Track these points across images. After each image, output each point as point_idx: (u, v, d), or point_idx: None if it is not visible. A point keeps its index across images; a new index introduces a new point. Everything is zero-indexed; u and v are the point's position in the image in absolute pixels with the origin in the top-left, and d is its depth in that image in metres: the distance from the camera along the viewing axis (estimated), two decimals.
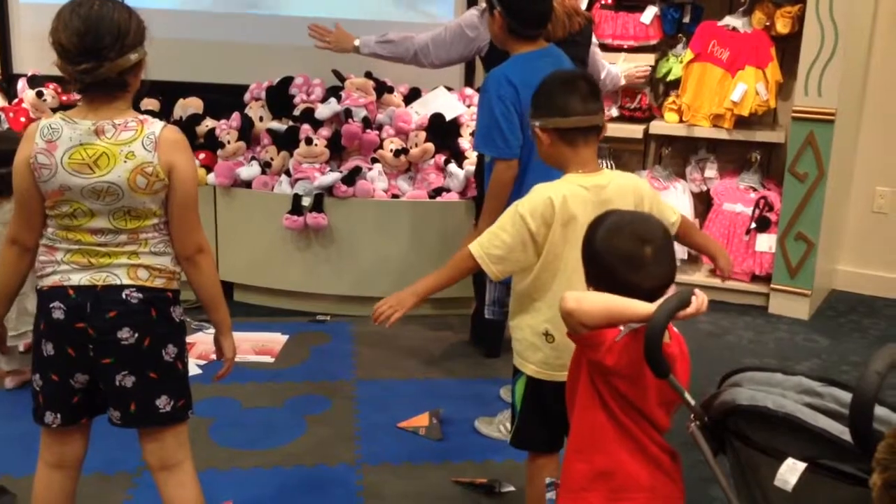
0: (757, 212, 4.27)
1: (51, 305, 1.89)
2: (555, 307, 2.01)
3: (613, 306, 1.60)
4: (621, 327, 1.63)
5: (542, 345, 2.09)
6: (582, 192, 2.01)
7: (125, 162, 1.84)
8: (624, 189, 2.07)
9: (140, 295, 1.90)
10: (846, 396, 1.46)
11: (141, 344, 1.90)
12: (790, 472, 1.48)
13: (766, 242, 4.25)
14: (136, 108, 1.96)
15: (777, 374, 1.59)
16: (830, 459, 1.44)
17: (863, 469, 1.36)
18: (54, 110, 4.34)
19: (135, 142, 1.85)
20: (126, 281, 1.89)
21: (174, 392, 1.98)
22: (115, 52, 1.80)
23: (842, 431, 1.42)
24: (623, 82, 4.01)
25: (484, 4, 3.25)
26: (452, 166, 4.02)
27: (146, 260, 1.91)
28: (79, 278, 1.89)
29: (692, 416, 1.65)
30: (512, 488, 2.68)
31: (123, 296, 1.89)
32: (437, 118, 4.10)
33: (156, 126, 1.88)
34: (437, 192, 4.01)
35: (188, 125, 4.24)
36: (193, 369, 3.30)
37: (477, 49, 3.34)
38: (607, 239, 1.68)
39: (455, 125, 4.15)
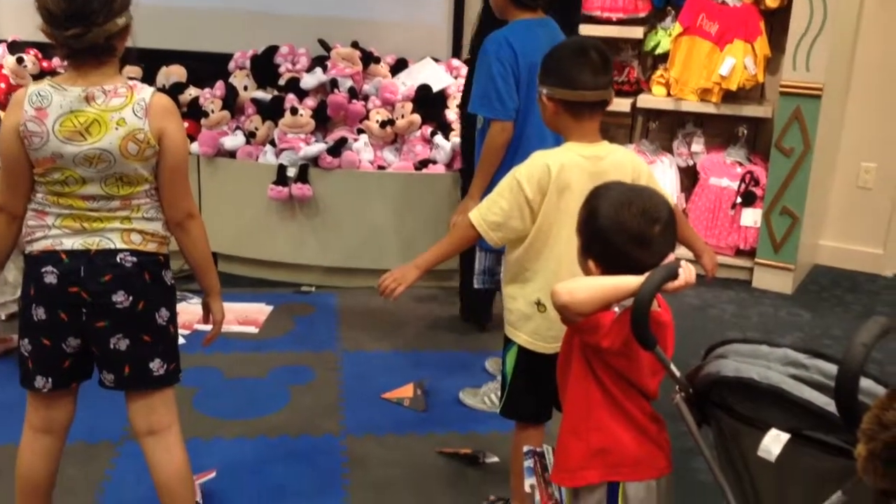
0: (743, 186, 4.27)
1: (42, 270, 1.87)
2: (547, 276, 2.01)
3: (606, 289, 1.59)
4: (615, 308, 1.62)
5: (533, 314, 2.09)
6: (580, 162, 2.01)
7: (116, 129, 1.83)
8: (622, 164, 2.06)
9: (134, 259, 1.91)
10: (831, 368, 1.47)
11: (135, 307, 1.91)
12: (774, 442, 1.48)
13: (751, 217, 4.26)
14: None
15: (762, 346, 1.59)
16: (814, 431, 1.45)
17: (846, 440, 1.36)
18: (35, 77, 4.27)
19: (125, 108, 1.84)
20: (120, 245, 1.90)
21: (167, 355, 2.00)
22: (102, 17, 1.78)
23: (827, 403, 1.42)
24: None
25: None
26: (439, 138, 3.99)
27: (139, 225, 1.92)
28: (71, 243, 1.88)
29: (677, 387, 1.65)
30: (496, 459, 2.69)
31: (118, 259, 1.89)
32: (423, 89, 4.06)
33: (146, 92, 1.87)
34: (424, 163, 3.98)
35: (171, 93, 4.17)
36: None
37: None
38: (615, 215, 1.65)
39: (442, 96, 4.11)
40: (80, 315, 1.89)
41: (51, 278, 1.87)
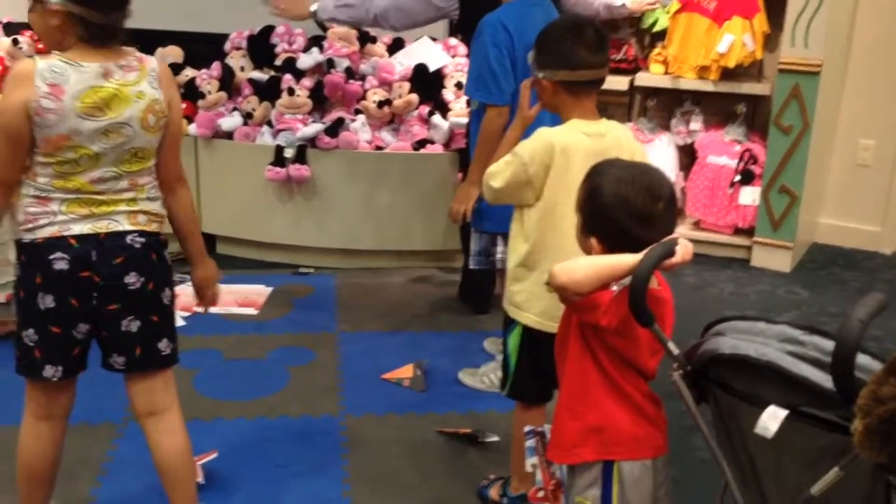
0: (741, 165, 4.26)
1: (50, 257, 1.86)
2: (555, 254, 2.00)
3: (604, 268, 1.58)
4: (614, 286, 1.62)
5: (543, 294, 2.08)
6: (584, 140, 2.00)
7: (136, 101, 1.87)
8: (621, 140, 2.06)
9: (142, 240, 1.93)
10: (829, 345, 1.47)
11: (146, 288, 1.93)
12: (771, 419, 1.48)
13: (749, 195, 4.26)
14: None
15: (760, 322, 1.59)
16: (811, 407, 1.45)
17: (843, 416, 1.37)
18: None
19: (142, 81, 1.88)
20: (128, 227, 1.92)
21: (171, 335, 2.03)
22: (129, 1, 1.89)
23: (824, 379, 1.42)
24: (630, 6, 3.69)
25: None
26: (436, 118, 3.98)
27: (143, 206, 1.95)
28: (80, 228, 1.88)
29: (675, 364, 1.66)
30: (496, 438, 2.71)
31: (128, 241, 1.91)
32: (420, 69, 4.05)
33: (153, 62, 1.93)
34: (421, 143, 3.97)
35: None
36: (178, 321, 3.28)
37: (444, 15, 3.29)
38: (618, 193, 1.64)
39: (439, 76, 4.10)
40: (90, 300, 1.90)
41: (61, 265, 1.86)
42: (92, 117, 1.83)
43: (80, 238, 1.88)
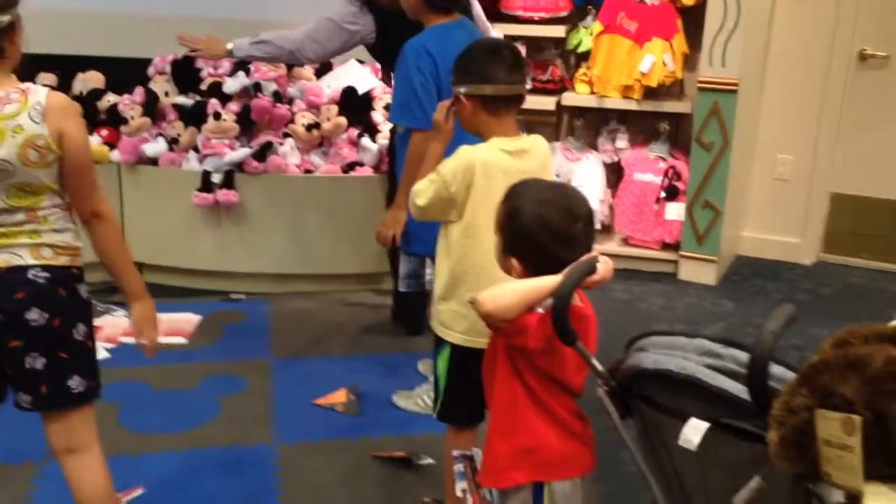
0: (666, 181, 4.36)
1: None
2: (478, 273, 2.02)
3: (528, 292, 1.60)
4: (539, 308, 1.64)
5: (467, 312, 2.09)
6: (504, 158, 2.02)
7: (13, 137, 1.76)
8: (542, 154, 2.11)
9: (47, 274, 1.85)
10: (745, 357, 1.50)
11: (51, 324, 1.85)
12: (694, 431, 1.52)
13: (675, 211, 4.36)
14: (32, 80, 1.87)
15: (680, 337, 1.62)
16: (731, 418, 1.48)
17: (761, 426, 1.40)
18: None
19: (20, 115, 1.77)
20: (30, 261, 1.84)
21: (86, 372, 1.94)
22: None
23: (741, 391, 1.46)
24: None
25: None
26: (366, 140, 3.98)
27: (48, 238, 1.87)
28: None
29: (599, 381, 1.68)
30: (430, 460, 2.70)
31: (29, 276, 1.83)
32: (349, 92, 4.04)
33: (40, 94, 1.80)
34: (351, 166, 3.96)
35: (89, 100, 4.07)
36: (101, 353, 3.19)
37: (359, 40, 3.31)
38: (538, 214, 1.66)
39: (368, 99, 4.10)
40: None
41: None
42: None
43: None
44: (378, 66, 4.30)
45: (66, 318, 1.88)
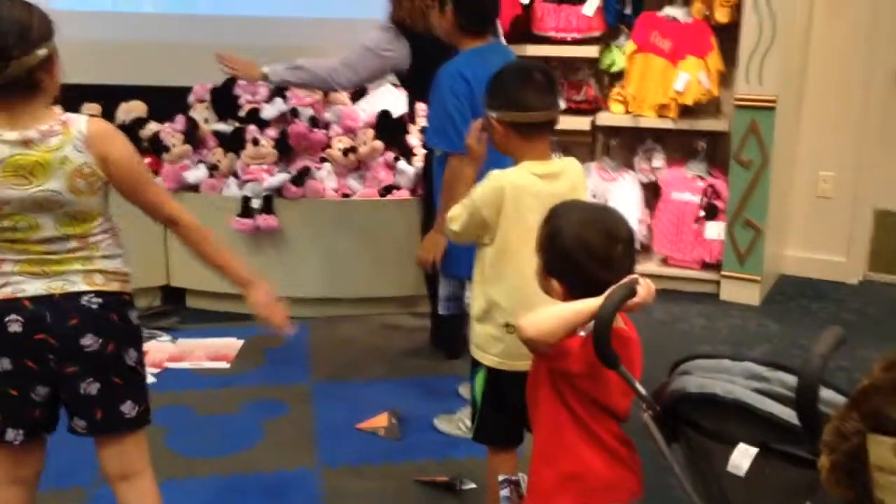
0: (705, 200, 4.33)
1: (6, 319, 1.84)
2: (513, 296, 2.03)
3: (569, 316, 1.60)
4: (581, 332, 1.64)
5: (502, 336, 2.10)
6: (535, 181, 2.03)
7: (61, 166, 1.80)
8: (575, 176, 2.12)
9: (100, 300, 1.88)
10: (793, 380, 1.49)
11: (105, 349, 1.89)
12: (743, 457, 1.50)
13: (714, 230, 4.32)
14: (76, 111, 1.91)
15: (725, 360, 1.61)
16: (780, 443, 1.46)
17: (812, 452, 1.38)
18: None
19: (66, 146, 1.80)
20: (84, 287, 1.87)
21: (138, 397, 1.97)
22: (19, 50, 1.73)
23: (790, 415, 1.44)
24: None
25: (390, 24, 3.27)
26: (402, 163, 4.01)
27: (100, 264, 1.90)
28: (34, 288, 1.85)
29: (644, 405, 1.67)
30: (473, 485, 2.68)
31: (83, 302, 1.87)
32: (384, 115, 4.08)
33: (80, 123, 1.83)
34: (388, 189, 3.99)
35: (132, 129, 4.16)
36: (148, 378, 3.24)
37: (392, 66, 3.35)
38: (579, 236, 1.67)
39: (403, 122, 4.13)
40: (48, 362, 1.86)
41: (15, 327, 1.83)
42: (18, 186, 1.78)
43: (35, 299, 1.84)
44: None
45: (119, 343, 1.92)
